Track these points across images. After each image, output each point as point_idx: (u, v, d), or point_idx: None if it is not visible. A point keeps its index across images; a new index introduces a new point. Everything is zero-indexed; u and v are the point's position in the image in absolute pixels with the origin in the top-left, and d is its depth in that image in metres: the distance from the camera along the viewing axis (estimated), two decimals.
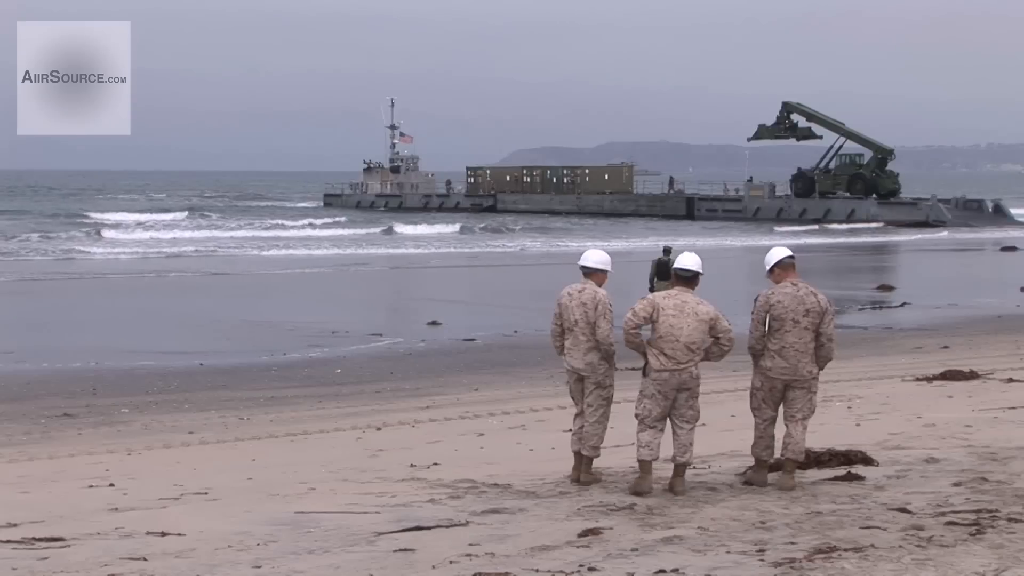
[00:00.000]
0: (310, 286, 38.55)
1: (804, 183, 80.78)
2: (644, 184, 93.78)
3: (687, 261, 9.85)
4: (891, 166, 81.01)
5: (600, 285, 10.19)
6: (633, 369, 10.55)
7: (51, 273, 41.12)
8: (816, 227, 72.66)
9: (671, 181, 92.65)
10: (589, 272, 10.22)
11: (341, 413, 16.01)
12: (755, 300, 9.95)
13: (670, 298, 9.66)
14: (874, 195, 78.08)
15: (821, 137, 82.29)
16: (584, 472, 10.20)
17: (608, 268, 10.29)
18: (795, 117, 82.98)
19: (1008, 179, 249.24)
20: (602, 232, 68.94)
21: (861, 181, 79.23)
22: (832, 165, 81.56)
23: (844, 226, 72.40)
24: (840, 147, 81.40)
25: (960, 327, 25.61)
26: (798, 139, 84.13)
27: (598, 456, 10.23)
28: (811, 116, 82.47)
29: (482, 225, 74.64)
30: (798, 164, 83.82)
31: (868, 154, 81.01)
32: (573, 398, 10.39)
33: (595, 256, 10.35)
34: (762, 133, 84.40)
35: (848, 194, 78.88)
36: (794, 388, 9.86)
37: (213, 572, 7.58)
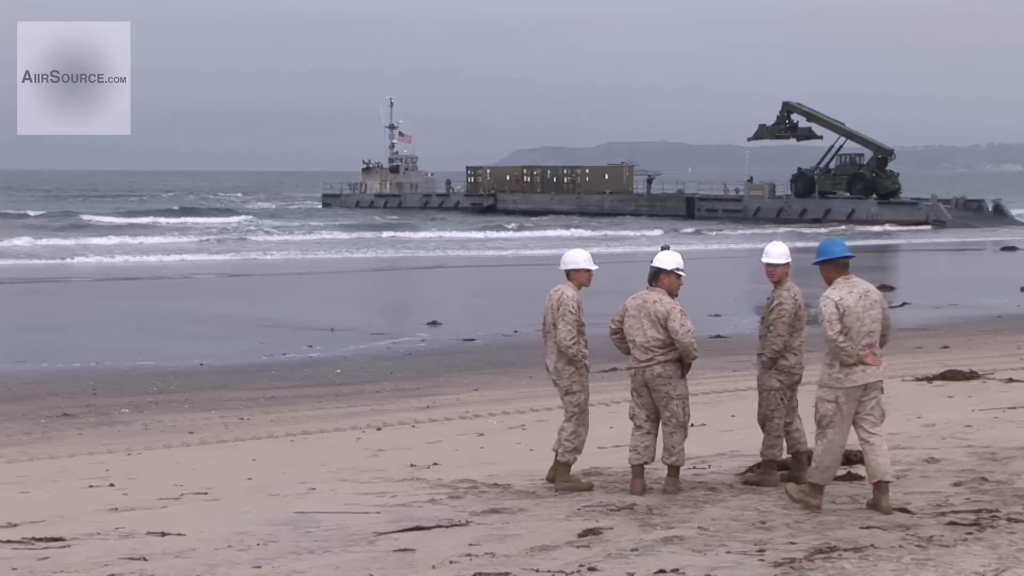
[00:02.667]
0: (315, 287, 38.57)
1: (804, 183, 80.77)
2: (644, 184, 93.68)
3: (657, 259, 9.86)
4: (891, 166, 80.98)
5: (581, 285, 10.12)
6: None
7: (48, 274, 41.11)
8: (844, 227, 72.04)
9: (649, 180, 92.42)
10: (566, 274, 10.19)
11: (341, 413, 16.01)
12: (782, 304, 9.86)
13: (635, 299, 9.78)
14: (874, 195, 78.08)
15: (821, 137, 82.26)
16: (558, 477, 9.99)
17: (574, 267, 10.14)
18: (795, 117, 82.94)
19: (1008, 179, 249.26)
20: (601, 233, 68.74)
21: (861, 181, 79.20)
22: (832, 165, 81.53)
23: (875, 227, 71.79)
24: (840, 147, 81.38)
25: (960, 327, 25.61)
26: (798, 139, 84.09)
27: (574, 460, 10.01)
28: (811, 116, 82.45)
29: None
30: (798, 164, 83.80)
31: (868, 154, 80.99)
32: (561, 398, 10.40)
33: (566, 257, 10.32)
34: (762, 133, 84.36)
35: (848, 194, 78.87)
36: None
37: (213, 572, 7.59)
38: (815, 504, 8.92)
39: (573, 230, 70.60)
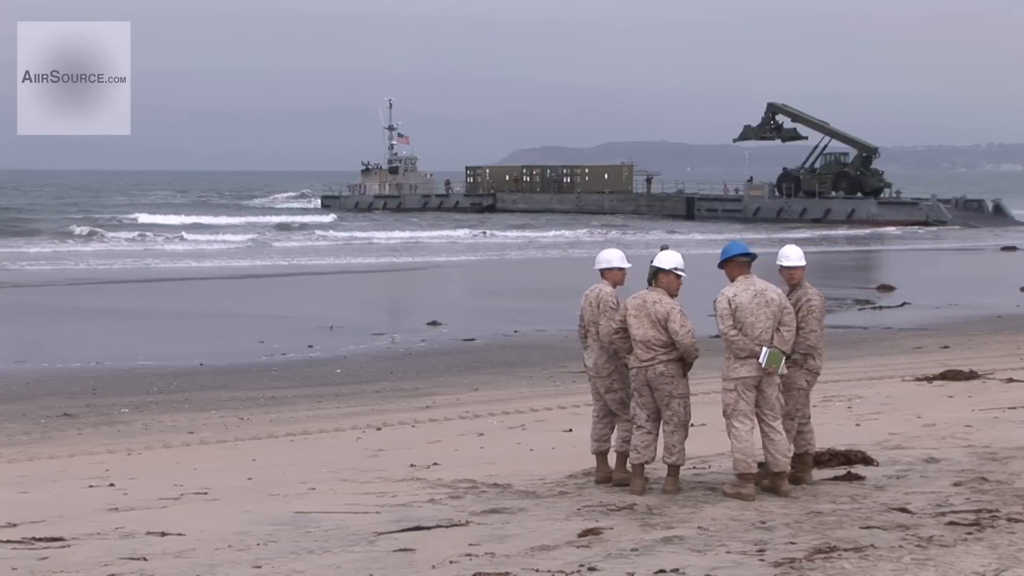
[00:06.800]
0: (320, 287, 38.59)
1: (790, 183, 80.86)
2: (644, 184, 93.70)
3: (656, 259, 9.91)
4: (892, 165, 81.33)
5: (616, 283, 10.25)
6: None
7: (47, 275, 41.14)
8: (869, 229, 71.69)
9: (648, 180, 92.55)
10: (601, 272, 10.31)
11: (341, 413, 16.01)
12: (811, 300, 9.90)
13: (636, 299, 9.81)
14: (859, 193, 78.36)
15: (806, 138, 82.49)
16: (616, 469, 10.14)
17: (607, 265, 10.26)
18: (780, 118, 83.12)
19: (1008, 179, 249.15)
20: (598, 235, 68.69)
21: (846, 179, 79.49)
22: (818, 164, 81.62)
23: (861, 229, 71.60)
24: (825, 146, 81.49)
25: (960, 327, 25.60)
26: (783, 140, 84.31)
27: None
28: (796, 116, 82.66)
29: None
30: (794, 164, 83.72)
31: (853, 153, 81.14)
32: (592, 396, 10.43)
33: (600, 256, 10.44)
34: (748, 134, 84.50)
35: (834, 193, 78.96)
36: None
37: (213, 572, 7.59)
38: (749, 494, 9.30)
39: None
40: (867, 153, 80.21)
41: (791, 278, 10.02)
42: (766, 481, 9.57)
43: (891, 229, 71.33)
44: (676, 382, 9.71)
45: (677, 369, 9.71)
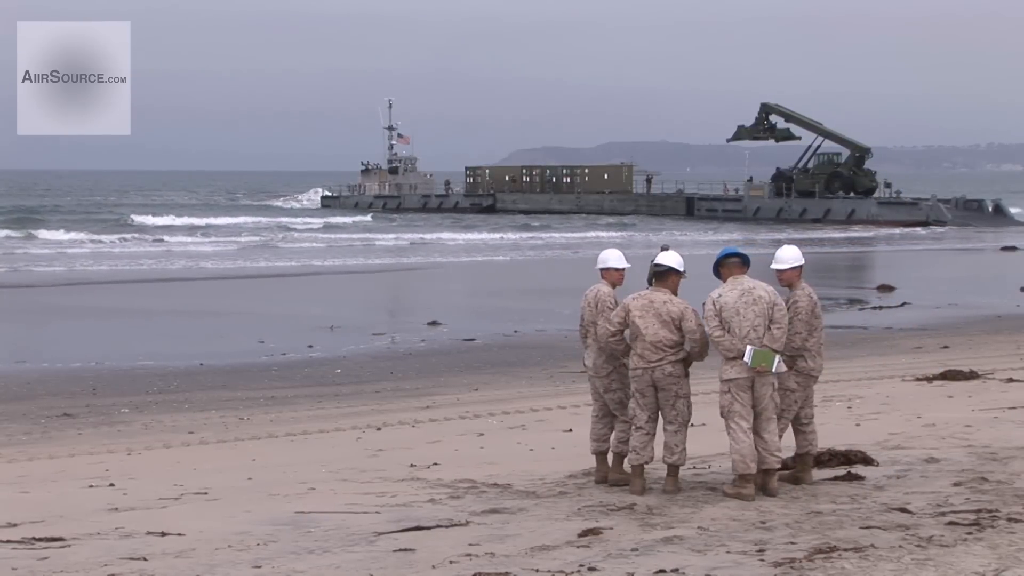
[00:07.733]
0: (320, 287, 38.58)
1: (784, 182, 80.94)
2: (644, 184, 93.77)
3: (661, 258, 9.90)
4: (892, 165, 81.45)
5: (615, 284, 10.26)
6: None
7: (47, 276, 41.13)
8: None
9: (648, 180, 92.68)
10: (601, 272, 10.32)
11: (341, 413, 16.01)
12: (797, 302, 9.86)
13: (639, 299, 9.78)
14: (852, 192, 78.50)
15: (800, 138, 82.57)
16: (612, 468, 10.15)
17: (610, 265, 10.28)
18: (774, 118, 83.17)
19: (1008, 179, 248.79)
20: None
21: (839, 179, 79.61)
22: (811, 164, 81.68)
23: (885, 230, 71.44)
24: (818, 146, 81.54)
25: (960, 327, 25.60)
26: (777, 140, 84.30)
27: (626, 452, 10.01)
28: (789, 116, 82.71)
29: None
30: (792, 164, 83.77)
31: (846, 153, 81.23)
32: (592, 395, 10.42)
33: (601, 256, 10.45)
34: (741, 134, 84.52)
35: (829, 193, 79.05)
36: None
37: (213, 572, 7.59)
38: (748, 494, 9.30)
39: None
40: (860, 153, 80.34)
41: (780, 280, 10.04)
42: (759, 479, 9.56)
43: (900, 230, 71.15)
44: (682, 382, 9.73)
45: (682, 369, 9.73)
